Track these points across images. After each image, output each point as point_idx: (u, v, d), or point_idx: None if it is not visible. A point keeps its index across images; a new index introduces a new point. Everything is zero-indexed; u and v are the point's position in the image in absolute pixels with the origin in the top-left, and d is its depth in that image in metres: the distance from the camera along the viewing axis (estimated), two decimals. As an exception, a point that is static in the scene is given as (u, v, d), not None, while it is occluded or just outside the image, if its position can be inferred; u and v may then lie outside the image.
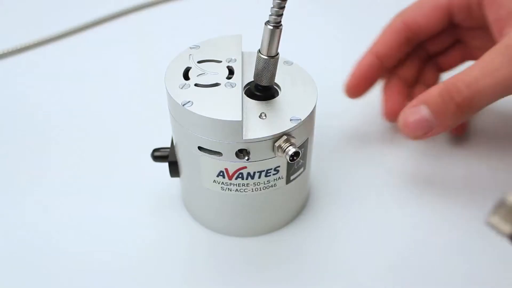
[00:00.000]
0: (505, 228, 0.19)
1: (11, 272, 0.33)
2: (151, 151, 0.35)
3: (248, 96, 0.30)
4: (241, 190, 0.31)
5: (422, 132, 0.32)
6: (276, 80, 0.30)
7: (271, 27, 0.27)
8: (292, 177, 0.32)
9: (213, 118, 0.27)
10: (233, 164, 0.29)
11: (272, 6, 0.26)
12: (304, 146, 0.31)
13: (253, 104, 0.29)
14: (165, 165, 0.34)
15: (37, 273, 0.33)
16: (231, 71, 0.31)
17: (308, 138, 0.31)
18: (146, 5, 0.60)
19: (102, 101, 0.47)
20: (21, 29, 0.56)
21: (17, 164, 0.41)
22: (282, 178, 0.31)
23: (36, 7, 0.60)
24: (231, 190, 0.31)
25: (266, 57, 0.28)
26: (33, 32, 0.54)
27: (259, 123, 0.28)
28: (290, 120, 0.28)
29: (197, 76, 0.30)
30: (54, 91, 0.48)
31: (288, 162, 0.28)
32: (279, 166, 0.30)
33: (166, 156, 0.34)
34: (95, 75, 0.51)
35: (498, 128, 0.42)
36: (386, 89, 0.41)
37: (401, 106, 0.36)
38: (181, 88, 0.29)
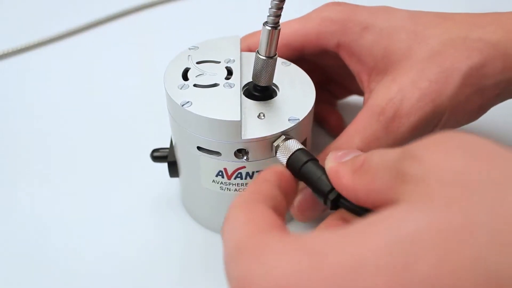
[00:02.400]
0: None
1: (10, 272, 0.33)
2: (150, 151, 0.35)
3: (246, 96, 0.30)
4: (240, 190, 0.31)
5: None
6: (274, 81, 0.30)
7: (269, 28, 0.27)
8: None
9: (212, 118, 0.27)
10: (232, 164, 0.29)
11: (270, 7, 0.26)
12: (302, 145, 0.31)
13: (251, 104, 0.30)
14: (164, 165, 0.34)
15: (36, 273, 0.33)
16: (229, 72, 0.31)
17: (306, 138, 0.31)
18: (145, 6, 0.60)
19: (102, 102, 0.47)
20: (21, 30, 0.56)
21: (17, 164, 0.41)
22: (280, 178, 0.31)
23: (36, 9, 0.60)
24: (230, 190, 0.31)
25: (264, 58, 0.28)
26: (33, 33, 0.54)
27: (258, 123, 0.28)
28: (289, 120, 0.28)
29: (196, 76, 0.30)
30: (54, 92, 0.48)
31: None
32: (277, 166, 0.30)
33: (166, 157, 0.34)
34: (94, 75, 0.51)
35: (500, 134, 0.42)
36: None
37: None
38: (180, 88, 0.29)
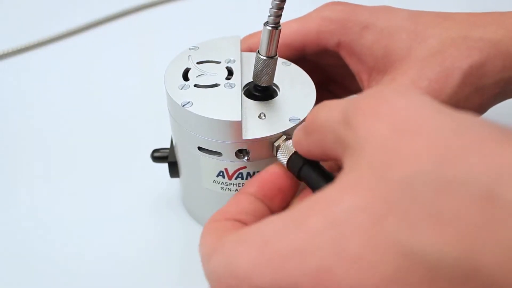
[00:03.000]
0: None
1: (10, 272, 0.33)
2: (150, 151, 0.35)
3: (247, 96, 0.30)
4: (240, 190, 0.31)
5: None
6: (275, 81, 0.30)
7: (270, 28, 0.27)
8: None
9: (212, 119, 0.27)
10: (232, 164, 0.29)
11: (271, 7, 0.26)
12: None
13: (252, 105, 0.30)
14: (165, 165, 0.34)
15: (36, 273, 0.33)
16: (230, 72, 0.31)
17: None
18: (145, 6, 0.60)
19: (102, 102, 0.47)
20: (21, 30, 0.56)
21: (17, 164, 0.41)
22: (281, 178, 0.31)
23: (36, 9, 0.60)
24: (231, 190, 0.31)
25: (265, 58, 0.28)
26: (33, 33, 0.54)
27: (259, 123, 0.28)
28: (289, 120, 0.28)
29: (197, 77, 0.30)
30: (54, 92, 0.48)
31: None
32: (278, 166, 0.30)
33: (166, 157, 0.34)
34: (94, 76, 0.51)
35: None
36: None
37: None
38: (181, 88, 0.29)
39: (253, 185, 0.26)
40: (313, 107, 0.30)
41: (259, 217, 0.25)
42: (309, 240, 0.17)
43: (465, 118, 0.17)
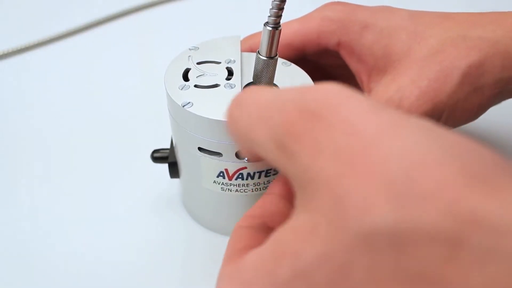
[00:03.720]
0: None
1: (10, 273, 0.33)
2: (150, 152, 0.35)
3: (247, 97, 0.30)
4: (241, 191, 0.31)
5: None
6: (275, 81, 0.30)
7: (270, 28, 0.27)
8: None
9: (213, 119, 0.27)
10: (233, 165, 0.29)
11: (271, 7, 0.26)
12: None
13: (252, 105, 0.30)
14: (165, 166, 0.34)
15: (35, 274, 0.33)
16: (230, 72, 0.31)
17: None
18: (145, 6, 0.60)
19: (102, 102, 0.47)
20: (21, 30, 0.56)
21: (16, 164, 0.41)
22: (281, 178, 0.31)
23: (36, 9, 0.60)
24: (231, 191, 0.31)
25: (265, 58, 0.28)
26: (33, 33, 0.54)
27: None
28: (289, 120, 0.28)
29: (197, 77, 0.30)
30: (54, 92, 0.49)
31: None
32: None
33: (166, 157, 0.34)
34: (94, 76, 0.51)
35: (500, 134, 0.42)
36: None
37: None
38: (181, 89, 0.29)
39: (276, 185, 0.25)
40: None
41: (287, 217, 0.24)
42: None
43: (425, 135, 0.16)
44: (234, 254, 0.21)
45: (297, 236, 0.17)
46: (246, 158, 0.29)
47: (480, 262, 0.13)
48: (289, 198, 0.25)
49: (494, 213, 0.14)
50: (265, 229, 0.23)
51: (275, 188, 0.25)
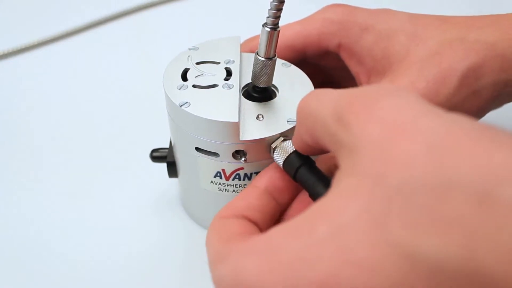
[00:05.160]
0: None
1: (9, 274, 0.33)
2: (149, 151, 0.35)
3: (245, 97, 0.30)
4: (238, 191, 0.31)
5: None
6: (274, 82, 0.30)
7: (269, 29, 0.27)
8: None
9: (210, 119, 0.27)
10: (230, 165, 0.29)
11: (269, 8, 0.26)
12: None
13: (250, 106, 0.30)
14: (164, 165, 0.34)
15: (35, 275, 0.33)
16: (229, 73, 0.31)
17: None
18: (145, 6, 0.60)
19: (101, 102, 0.47)
20: (21, 30, 0.56)
21: (16, 164, 0.41)
22: (279, 179, 0.31)
23: (36, 9, 0.60)
24: (228, 191, 0.31)
25: (264, 59, 0.28)
26: (33, 33, 0.54)
27: (256, 124, 0.28)
28: (287, 121, 0.28)
29: (195, 77, 0.30)
30: (54, 92, 0.49)
31: None
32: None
33: (165, 157, 0.34)
34: (94, 76, 0.51)
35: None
36: None
37: None
38: (179, 89, 0.29)
39: (262, 178, 0.26)
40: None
41: (267, 213, 0.25)
42: (316, 248, 0.18)
43: (457, 118, 0.17)
44: (232, 237, 0.21)
45: (340, 195, 0.18)
46: (243, 159, 0.29)
47: (510, 210, 0.14)
48: (273, 193, 0.26)
49: None
50: (249, 221, 0.24)
51: (260, 181, 0.26)
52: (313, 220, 0.19)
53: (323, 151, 0.23)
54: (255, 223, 0.24)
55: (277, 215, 0.26)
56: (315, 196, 0.24)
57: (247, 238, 0.21)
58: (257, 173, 0.30)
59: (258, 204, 0.25)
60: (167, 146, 0.35)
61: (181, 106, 0.28)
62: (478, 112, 0.31)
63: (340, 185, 0.19)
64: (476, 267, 0.15)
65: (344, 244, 0.17)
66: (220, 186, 0.31)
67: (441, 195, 0.15)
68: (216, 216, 0.24)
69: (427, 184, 0.16)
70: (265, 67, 0.29)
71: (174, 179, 0.35)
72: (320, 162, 0.26)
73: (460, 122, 0.17)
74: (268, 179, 0.26)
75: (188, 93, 0.29)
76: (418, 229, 0.16)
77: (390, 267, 0.16)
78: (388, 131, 0.18)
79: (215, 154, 0.29)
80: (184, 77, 0.30)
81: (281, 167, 0.26)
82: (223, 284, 0.20)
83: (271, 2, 0.26)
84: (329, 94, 0.21)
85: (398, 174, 0.17)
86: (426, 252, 0.15)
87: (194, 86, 0.30)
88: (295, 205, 0.27)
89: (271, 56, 0.28)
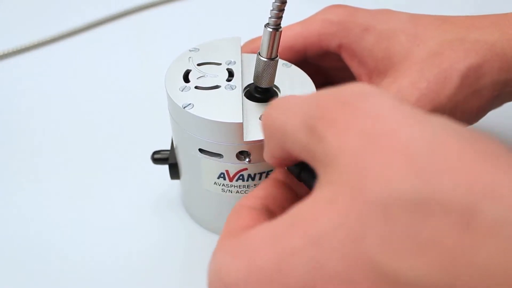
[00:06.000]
0: None
1: (9, 275, 0.33)
2: (151, 153, 0.35)
3: (248, 98, 0.30)
4: (241, 192, 0.31)
5: None
6: (275, 82, 0.30)
7: (271, 30, 0.27)
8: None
9: (213, 120, 0.27)
10: (233, 166, 0.29)
11: (271, 8, 0.26)
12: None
13: (253, 106, 0.30)
14: (165, 167, 0.34)
15: (35, 275, 0.33)
16: (230, 74, 0.31)
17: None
18: (146, 7, 0.60)
19: (102, 103, 0.47)
20: (21, 30, 0.56)
21: (16, 165, 0.41)
22: (282, 179, 0.31)
23: (36, 9, 0.60)
24: (231, 192, 0.31)
25: (266, 59, 0.28)
26: (33, 33, 0.54)
27: (260, 125, 0.28)
28: (290, 122, 0.28)
29: (197, 78, 0.31)
30: (54, 92, 0.48)
31: None
32: (279, 168, 0.30)
33: (166, 159, 0.34)
34: (95, 76, 0.51)
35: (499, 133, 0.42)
36: None
37: None
38: (182, 90, 0.29)
39: (280, 172, 0.26)
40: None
41: (286, 203, 0.24)
42: (291, 258, 0.17)
43: (439, 124, 0.17)
44: (236, 230, 0.21)
45: (315, 205, 0.18)
46: (247, 160, 0.29)
47: (492, 232, 0.14)
48: (291, 185, 0.25)
49: (506, 186, 0.14)
50: (267, 212, 0.23)
51: (279, 174, 0.25)
52: (290, 226, 0.18)
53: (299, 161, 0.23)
54: (274, 212, 0.24)
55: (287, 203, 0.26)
56: None
57: (239, 234, 0.21)
58: (260, 173, 0.30)
59: (278, 193, 0.24)
60: (168, 147, 0.35)
61: (184, 107, 0.28)
62: (478, 111, 0.31)
63: (318, 193, 0.18)
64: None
65: (318, 255, 0.17)
66: (223, 187, 0.31)
67: (420, 213, 0.15)
68: (236, 203, 0.24)
69: (406, 200, 0.15)
70: (267, 68, 0.29)
71: (175, 181, 0.35)
72: None
73: (443, 129, 0.16)
74: (285, 172, 0.25)
75: (191, 95, 0.29)
76: (396, 249, 0.15)
77: (363, 283, 0.16)
78: (366, 141, 0.17)
79: (219, 155, 0.29)
80: (186, 79, 0.30)
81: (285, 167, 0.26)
82: (208, 276, 0.21)
83: (273, 2, 0.26)
84: (294, 102, 0.20)
85: (376, 188, 0.16)
86: (402, 273, 0.15)
87: (196, 87, 0.30)
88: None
89: (273, 57, 0.28)
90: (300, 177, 0.25)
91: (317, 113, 0.19)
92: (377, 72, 0.32)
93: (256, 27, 0.33)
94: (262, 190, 0.25)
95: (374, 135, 0.17)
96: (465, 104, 0.30)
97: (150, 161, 0.35)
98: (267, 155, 0.24)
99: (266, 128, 0.22)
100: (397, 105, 0.18)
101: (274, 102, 0.22)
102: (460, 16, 0.32)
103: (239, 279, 0.19)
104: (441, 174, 0.15)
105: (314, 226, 0.17)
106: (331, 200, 0.17)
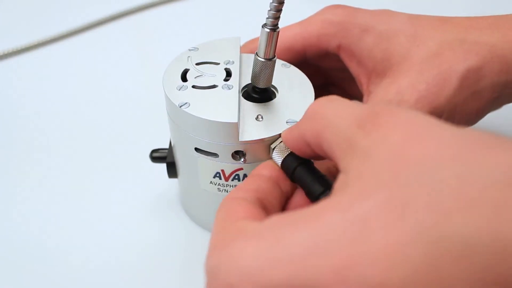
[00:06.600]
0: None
1: (8, 275, 0.33)
2: (149, 151, 0.35)
3: (245, 98, 0.30)
4: (237, 192, 0.31)
5: None
6: (273, 83, 0.30)
7: (268, 30, 0.27)
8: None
9: (209, 120, 0.27)
10: (229, 166, 0.29)
11: (269, 9, 0.26)
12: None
13: (250, 106, 0.30)
14: (163, 165, 0.34)
15: (36, 274, 0.33)
16: (228, 73, 0.31)
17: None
18: (145, 7, 0.60)
19: (101, 102, 0.47)
20: (21, 30, 0.56)
21: (16, 165, 0.41)
22: (278, 179, 0.31)
23: (36, 9, 0.60)
24: (227, 192, 0.31)
25: (263, 60, 0.28)
26: (33, 33, 0.55)
27: (256, 125, 0.28)
28: (287, 122, 0.28)
29: (195, 78, 0.30)
30: (54, 92, 0.49)
31: None
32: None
33: (164, 157, 0.34)
34: (94, 76, 0.51)
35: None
36: None
37: None
38: (179, 89, 0.29)
39: (265, 168, 0.26)
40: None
41: (275, 198, 0.25)
42: (329, 237, 0.17)
43: (468, 132, 0.18)
44: (235, 223, 0.21)
45: (352, 193, 0.18)
46: (242, 159, 0.29)
47: None
48: (277, 181, 0.25)
49: None
50: (261, 205, 0.23)
51: (265, 170, 0.26)
52: (325, 210, 0.18)
53: (315, 155, 0.23)
54: (265, 206, 0.24)
55: (283, 203, 0.26)
56: (311, 195, 0.24)
57: (253, 223, 0.20)
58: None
59: (267, 187, 0.24)
60: (167, 146, 0.35)
61: (180, 106, 0.28)
62: (477, 113, 0.31)
63: (350, 185, 0.18)
64: (504, 244, 0.15)
65: (361, 234, 0.16)
66: (219, 186, 0.31)
67: (463, 180, 0.16)
68: (226, 197, 0.24)
69: (449, 171, 0.16)
70: (265, 68, 0.29)
71: (173, 180, 0.35)
72: (320, 164, 0.26)
73: (470, 134, 0.18)
74: (271, 168, 0.26)
75: (188, 94, 0.29)
76: (443, 212, 0.15)
77: (416, 254, 0.15)
78: (409, 138, 0.18)
79: (214, 154, 0.29)
80: (184, 78, 0.30)
81: (279, 166, 0.26)
82: (218, 272, 0.19)
83: (270, 2, 0.26)
84: (348, 104, 0.22)
85: (417, 168, 0.17)
86: (455, 233, 0.15)
87: (193, 86, 0.30)
88: (296, 198, 0.26)
89: (270, 57, 0.28)
90: (293, 175, 0.25)
91: (370, 115, 0.20)
92: (376, 73, 0.32)
93: (256, 27, 0.32)
94: (253, 184, 0.24)
95: (415, 133, 0.18)
96: (464, 106, 0.30)
97: (149, 160, 0.35)
98: (293, 133, 0.24)
99: (313, 112, 0.23)
100: (431, 118, 0.19)
101: (332, 96, 0.23)
102: (459, 17, 0.32)
103: (261, 263, 0.17)
104: (477, 154, 0.16)
105: (356, 206, 0.17)
106: (373, 184, 0.17)
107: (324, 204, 0.18)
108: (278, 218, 0.19)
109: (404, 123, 0.19)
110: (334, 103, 0.22)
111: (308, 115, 0.23)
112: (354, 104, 0.22)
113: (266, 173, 0.25)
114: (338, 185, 0.19)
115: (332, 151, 0.21)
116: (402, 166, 0.17)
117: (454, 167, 0.16)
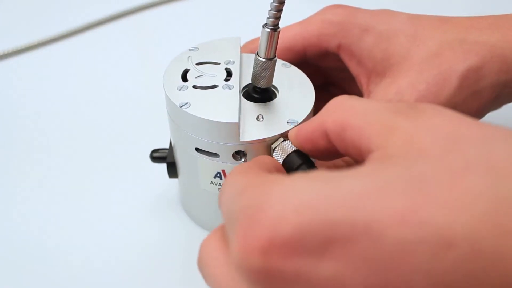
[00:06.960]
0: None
1: (8, 275, 0.33)
2: (149, 151, 0.35)
3: (246, 98, 0.30)
4: (238, 192, 0.31)
5: None
6: (274, 83, 0.30)
7: (269, 30, 0.27)
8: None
9: (210, 120, 0.27)
10: (230, 166, 0.29)
11: (269, 9, 0.26)
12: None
13: (250, 106, 0.30)
14: (164, 166, 0.34)
15: (36, 274, 0.33)
16: (229, 73, 0.31)
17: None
18: (145, 7, 0.60)
19: (101, 102, 0.47)
20: (21, 30, 0.56)
21: (16, 165, 0.41)
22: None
23: (36, 9, 0.60)
24: (228, 192, 0.31)
25: (264, 60, 0.28)
26: (33, 33, 0.54)
27: (256, 125, 0.28)
28: (287, 122, 0.28)
29: (195, 78, 0.30)
30: (54, 92, 0.49)
31: None
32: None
33: (165, 157, 0.34)
34: (94, 76, 0.51)
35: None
36: None
37: None
38: (179, 89, 0.29)
39: (268, 157, 0.26)
40: (312, 109, 0.30)
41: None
42: (392, 186, 0.17)
43: (494, 126, 0.18)
44: (268, 173, 0.21)
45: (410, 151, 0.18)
46: (243, 159, 0.29)
47: None
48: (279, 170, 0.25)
49: None
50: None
51: (267, 158, 0.25)
52: (378, 169, 0.18)
53: (326, 148, 0.23)
54: None
55: None
56: None
57: (290, 176, 0.19)
58: None
59: (275, 165, 0.25)
60: (167, 146, 0.35)
61: (181, 106, 0.28)
62: (477, 113, 0.31)
63: (396, 155, 0.18)
64: None
65: (423, 186, 0.16)
66: (220, 186, 0.31)
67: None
68: (237, 168, 0.23)
69: (506, 145, 0.17)
70: (265, 68, 0.29)
71: (173, 180, 0.35)
72: (321, 164, 0.26)
73: (498, 129, 0.18)
74: (272, 158, 0.26)
75: (188, 94, 0.29)
76: (503, 174, 0.16)
77: (477, 207, 0.16)
78: (456, 121, 0.18)
79: (215, 154, 0.29)
80: (184, 78, 0.30)
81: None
82: (262, 208, 0.17)
83: (271, 2, 0.26)
84: (371, 99, 0.22)
85: (471, 142, 0.17)
86: None
87: (194, 86, 0.30)
88: None
89: (271, 57, 0.28)
90: (297, 170, 0.25)
91: (409, 105, 0.20)
92: (376, 73, 0.32)
93: (256, 27, 0.32)
94: (255, 159, 0.25)
95: (450, 131, 0.18)
96: (464, 106, 0.30)
97: (149, 160, 0.35)
98: (310, 125, 0.23)
99: (337, 104, 0.22)
100: (463, 116, 0.19)
101: (351, 96, 0.23)
102: (459, 17, 0.32)
103: (324, 199, 0.17)
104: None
105: (418, 162, 0.17)
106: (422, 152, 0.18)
107: (374, 165, 0.18)
108: (326, 172, 0.18)
109: (446, 111, 0.19)
110: (358, 98, 0.22)
111: (331, 107, 0.22)
112: (376, 99, 0.22)
113: (268, 160, 0.25)
114: (373, 156, 0.19)
115: (360, 135, 0.20)
116: (456, 141, 0.17)
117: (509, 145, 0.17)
